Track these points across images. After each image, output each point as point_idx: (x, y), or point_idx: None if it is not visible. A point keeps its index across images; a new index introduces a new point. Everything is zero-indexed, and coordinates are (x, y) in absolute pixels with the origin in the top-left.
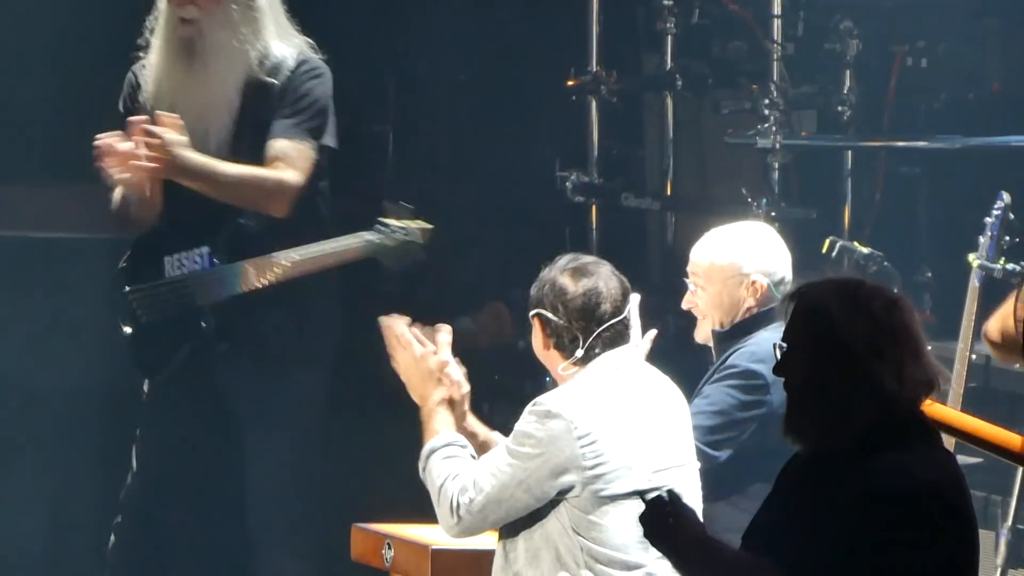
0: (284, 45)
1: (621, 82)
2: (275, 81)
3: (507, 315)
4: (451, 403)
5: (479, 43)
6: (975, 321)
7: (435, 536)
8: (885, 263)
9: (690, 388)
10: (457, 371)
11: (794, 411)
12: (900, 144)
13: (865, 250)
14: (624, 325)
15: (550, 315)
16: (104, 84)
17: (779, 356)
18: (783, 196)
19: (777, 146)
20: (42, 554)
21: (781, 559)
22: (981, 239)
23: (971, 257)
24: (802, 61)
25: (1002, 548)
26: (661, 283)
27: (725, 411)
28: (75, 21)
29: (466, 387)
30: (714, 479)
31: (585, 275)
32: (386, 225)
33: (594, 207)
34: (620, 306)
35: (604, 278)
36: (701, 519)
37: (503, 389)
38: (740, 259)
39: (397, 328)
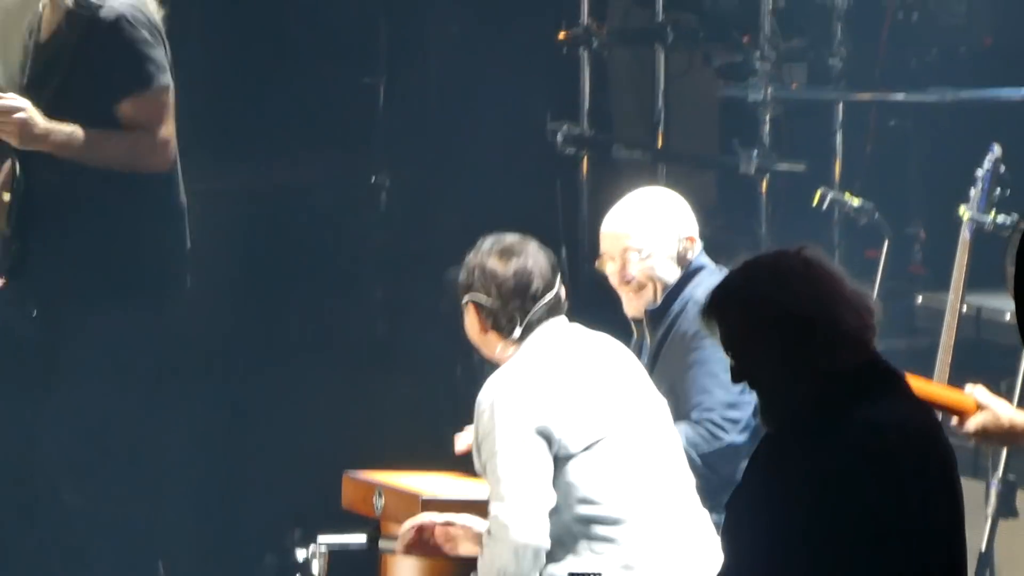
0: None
1: (612, 35)
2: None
3: None
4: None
5: None
6: (966, 273)
7: (425, 485)
8: (876, 215)
9: None
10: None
11: (764, 402)
12: (891, 97)
13: (856, 202)
14: (557, 298)
15: (484, 299)
16: None
17: (731, 368)
18: (774, 148)
19: (768, 99)
20: None
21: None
22: (972, 191)
23: (962, 209)
24: (793, 14)
25: (992, 499)
26: None
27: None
28: None
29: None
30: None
31: (513, 255)
32: None
33: (585, 159)
34: (551, 280)
35: (532, 255)
36: (684, 470)
37: None
38: (675, 218)
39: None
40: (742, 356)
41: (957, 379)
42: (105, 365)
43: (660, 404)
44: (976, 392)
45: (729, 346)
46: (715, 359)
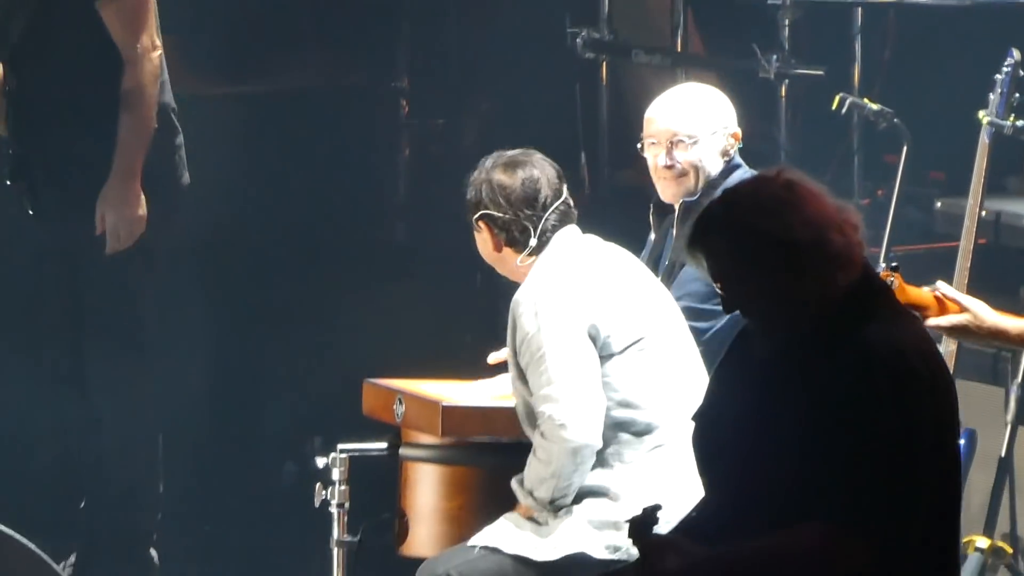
0: None
1: None
2: None
3: None
4: None
5: None
6: (985, 178)
7: (446, 392)
8: (895, 120)
9: None
10: None
11: (758, 328)
12: (910, 1)
13: (875, 107)
14: (567, 205)
15: (495, 213)
16: None
17: (721, 294)
18: (793, 53)
19: (787, 2)
20: None
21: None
22: (991, 96)
23: (981, 114)
24: None
25: (1011, 404)
26: None
27: None
28: None
29: None
30: None
31: (519, 166)
32: None
33: (604, 64)
34: (559, 188)
35: (538, 165)
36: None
37: None
38: (723, 112)
39: None
40: (731, 287)
41: (976, 283)
42: (115, 267)
43: (678, 313)
44: (942, 287)
45: (717, 277)
46: None
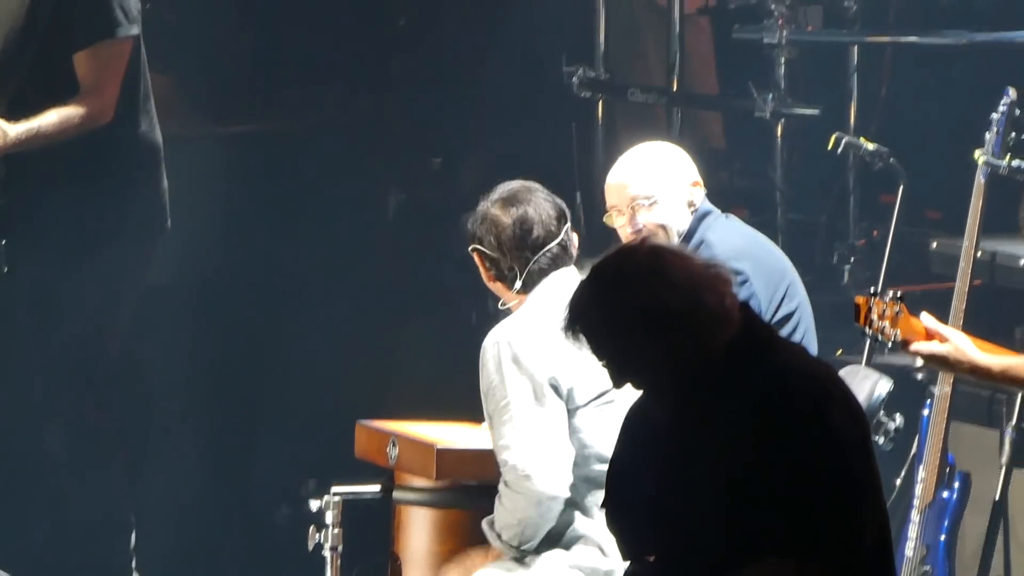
0: None
1: None
2: None
3: None
4: None
5: None
6: (980, 218)
7: (439, 434)
8: (891, 159)
9: None
10: None
11: (650, 394)
12: (906, 39)
13: (871, 146)
14: (562, 247)
15: (486, 249)
16: None
17: (611, 376)
18: (789, 92)
19: (783, 41)
20: None
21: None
22: (987, 135)
23: (977, 154)
24: None
25: (1007, 447)
26: None
27: None
28: None
29: None
30: None
31: (515, 203)
32: None
33: (600, 102)
34: (554, 229)
35: (535, 204)
36: None
37: None
38: (677, 164)
39: None
40: (616, 362)
41: (971, 325)
42: (102, 310)
43: None
44: (925, 320)
45: (600, 355)
46: None
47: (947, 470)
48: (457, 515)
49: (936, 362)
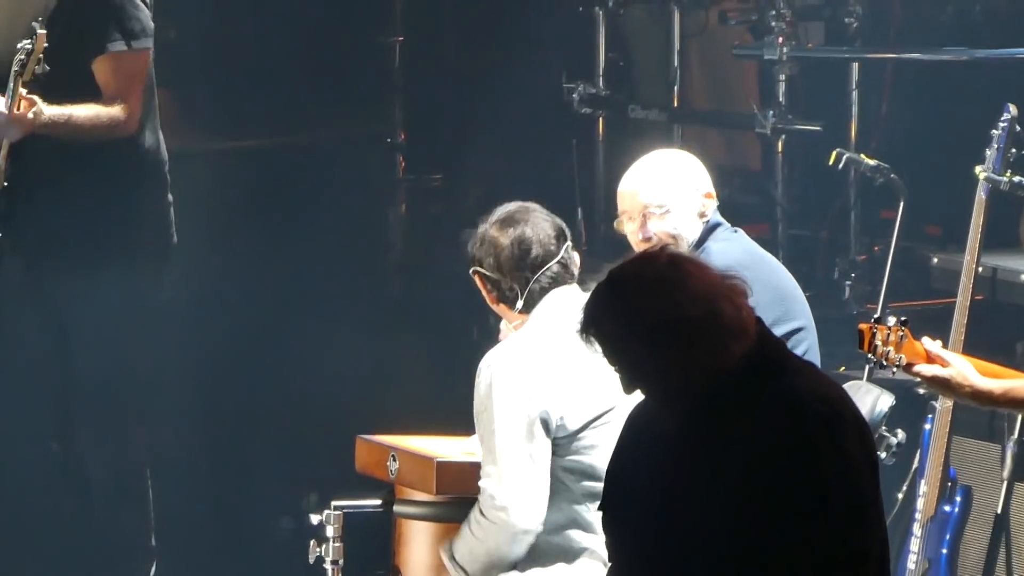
0: None
1: None
2: None
3: None
4: None
5: None
6: (981, 233)
7: (440, 448)
8: (892, 175)
9: None
10: None
11: (659, 404)
12: (907, 56)
13: (872, 162)
14: (562, 265)
15: (486, 271)
16: None
17: (622, 383)
18: (790, 108)
19: (784, 58)
20: None
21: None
22: (988, 152)
23: (978, 170)
24: None
25: (1008, 461)
26: None
27: None
28: None
29: None
30: None
31: (512, 224)
32: None
33: (601, 119)
34: (554, 248)
35: (532, 223)
36: None
37: None
38: (692, 174)
39: None
40: (626, 368)
41: (973, 340)
42: (107, 325)
43: None
44: (927, 344)
45: (613, 361)
46: None
47: (949, 484)
48: (457, 529)
49: (938, 385)
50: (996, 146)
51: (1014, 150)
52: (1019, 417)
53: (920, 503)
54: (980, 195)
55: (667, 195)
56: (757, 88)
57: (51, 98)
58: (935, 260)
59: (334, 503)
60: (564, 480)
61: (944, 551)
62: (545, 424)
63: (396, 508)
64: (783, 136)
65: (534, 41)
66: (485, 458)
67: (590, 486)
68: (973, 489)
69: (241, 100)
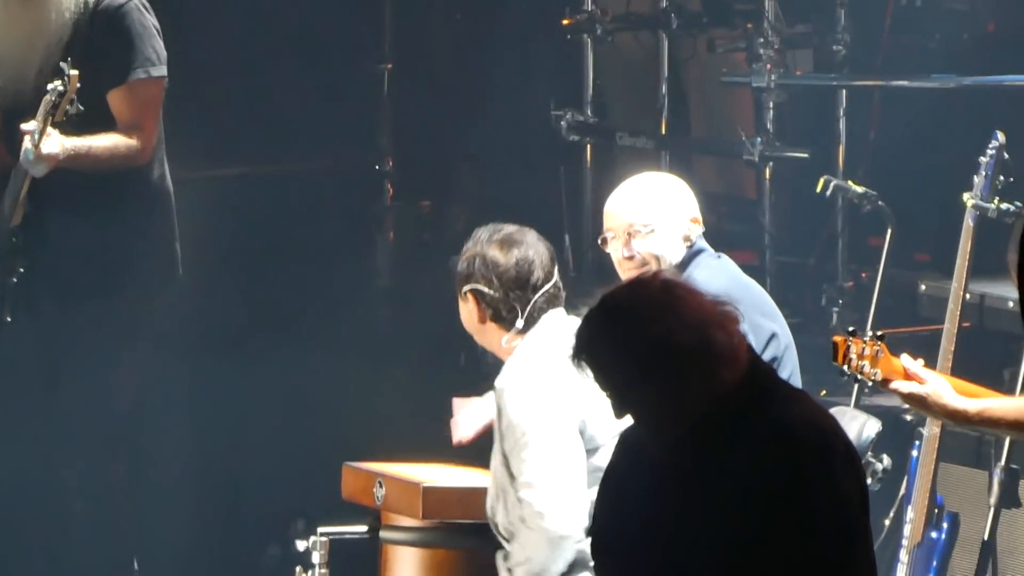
0: None
1: (616, 21)
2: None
3: None
4: None
5: None
6: (969, 261)
7: (426, 475)
8: (879, 202)
9: None
10: None
11: (650, 430)
12: (895, 83)
13: (859, 189)
14: (557, 287)
15: (484, 289)
16: None
17: (613, 408)
18: (778, 135)
19: (772, 85)
20: None
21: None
22: (976, 179)
23: (966, 197)
24: (797, 0)
25: (995, 488)
26: None
27: None
28: None
29: None
30: None
31: (514, 245)
32: None
33: (589, 146)
34: (551, 271)
35: (532, 245)
36: None
37: None
38: (680, 198)
39: None
40: (618, 393)
41: (960, 366)
42: (101, 357)
43: None
44: (906, 361)
45: (605, 386)
46: None
47: (936, 511)
48: (443, 554)
49: (914, 402)
50: (984, 173)
51: (1002, 177)
52: (1006, 444)
53: (907, 529)
54: (968, 222)
55: (653, 215)
56: (752, 116)
57: (66, 128)
58: (923, 287)
59: (320, 529)
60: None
61: None
62: (581, 432)
63: (382, 534)
64: (771, 163)
65: (522, 68)
66: (519, 470)
67: None
68: (960, 516)
69: (229, 127)
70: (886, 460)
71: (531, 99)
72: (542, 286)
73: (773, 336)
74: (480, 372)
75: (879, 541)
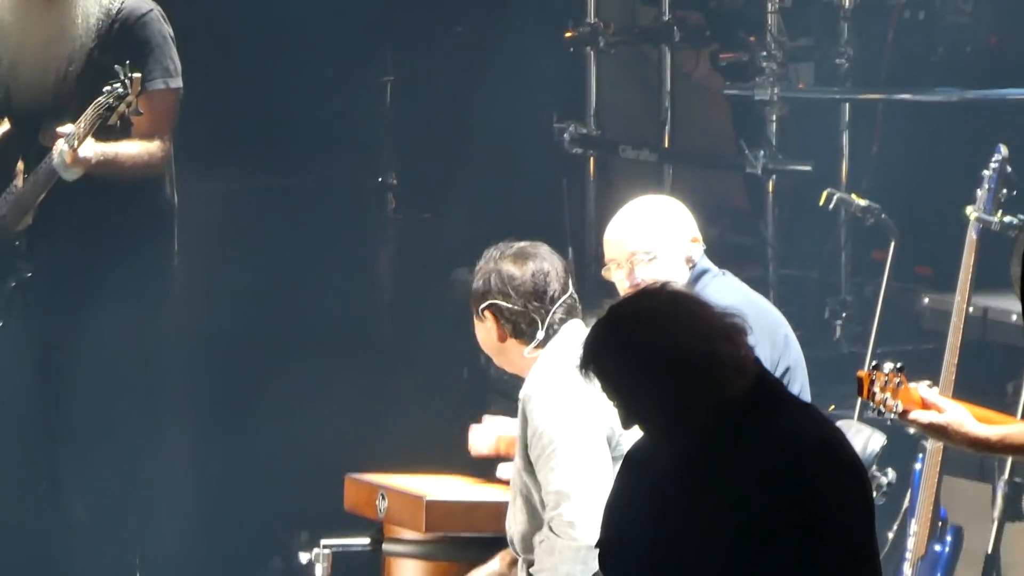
0: None
1: (618, 34)
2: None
3: None
4: None
5: None
6: (972, 274)
7: (428, 487)
8: (882, 215)
9: None
10: None
11: (656, 439)
12: (898, 97)
13: (862, 202)
14: (573, 299)
15: (503, 303)
16: None
17: (620, 418)
18: (780, 149)
19: (774, 98)
20: None
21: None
22: (979, 192)
23: (968, 210)
24: (799, 13)
25: (999, 501)
26: None
27: None
28: None
29: None
30: None
31: (528, 258)
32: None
33: (592, 159)
34: (566, 282)
35: (546, 258)
36: None
37: None
38: (678, 220)
39: None
40: (626, 404)
41: (963, 380)
42: (103, 369)
43: None
44: (922, 390)
45: (612, 396)
46: None
47: (939, 524)
48: (446, 567)
49: (934, 432)
50: (987, 186)
51: (1005, 190)
52: (1009, 458)
53: (911, 543)
54: (971, 235)
55: (654, 241)
56: (754, 128)
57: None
58: (926, 300)
59: (323, 542)
60: None
61: None
62: (608, 440)
63: (385, 546)
64: (774, 176)
65: (525, 81)
66: (548, 479)
67: None
68: (964, 529)
69: (232, 140)
70: (891, 474)
71: (534, 112)
72: (559, 297)
73: (781, 356)
74: (486, 385)
75: (882, 554)
